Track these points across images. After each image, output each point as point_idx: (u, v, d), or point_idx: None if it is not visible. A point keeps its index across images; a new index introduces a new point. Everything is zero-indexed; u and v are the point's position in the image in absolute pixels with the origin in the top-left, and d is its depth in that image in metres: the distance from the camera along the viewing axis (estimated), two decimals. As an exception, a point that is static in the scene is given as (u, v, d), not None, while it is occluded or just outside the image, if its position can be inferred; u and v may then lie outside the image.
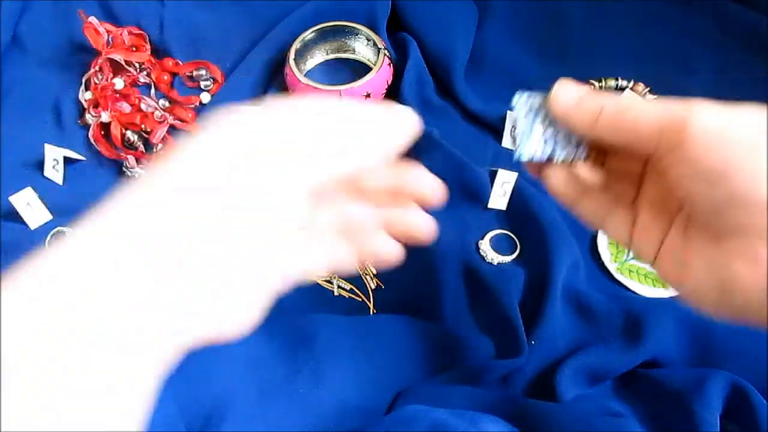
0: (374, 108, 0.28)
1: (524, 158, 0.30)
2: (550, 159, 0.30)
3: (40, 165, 0.52)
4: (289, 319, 0.42)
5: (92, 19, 0.54)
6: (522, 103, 0.31)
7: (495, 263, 0.45)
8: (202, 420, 0.38)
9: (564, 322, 0.42)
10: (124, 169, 0.51)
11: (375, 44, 0.54)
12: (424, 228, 0.31)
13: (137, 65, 0.56)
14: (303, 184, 0.26)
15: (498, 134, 0.52)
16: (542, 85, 0.55)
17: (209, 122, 0.26)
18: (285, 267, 0.29)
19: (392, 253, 0.31)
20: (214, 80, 0.56)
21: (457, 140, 0.49)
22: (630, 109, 0.27)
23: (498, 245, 0.46)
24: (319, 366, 0.41)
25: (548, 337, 0.41)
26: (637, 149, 0.27)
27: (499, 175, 0.47)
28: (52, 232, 0.48)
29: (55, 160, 0.51)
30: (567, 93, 0.29)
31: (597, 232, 0.47)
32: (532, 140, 0.30)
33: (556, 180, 0.31)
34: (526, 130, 0.30)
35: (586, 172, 0.31)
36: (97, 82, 0.55)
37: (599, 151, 0.31)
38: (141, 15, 0.58)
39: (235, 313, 0.26)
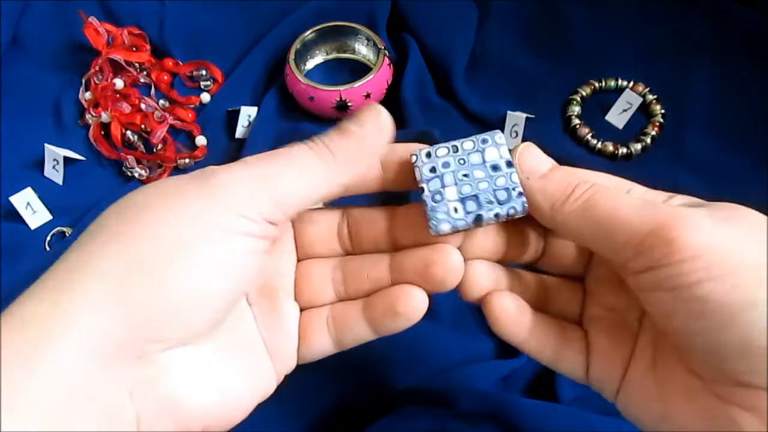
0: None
1: (444, 231, 0.23)
2: (478, 221, 0.23)
3: (40, 165, 0.52)
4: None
5: (92, 19, 0.54)
6: (423, 158, 0.24)
7: (495, 263, 0.45)
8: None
9: (564, 322, 0.42)
10: (124, 169, 0.51)
11: (375, 44, 0.54)
12: (419, 310, 0.26)
13: (137, 65, 0.56)
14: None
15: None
16: (542, 85, 0.55)
17: None
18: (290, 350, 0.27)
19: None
20: (214, 80, 0.56)
21: (457, 140, 0.49)
22: (610, 198, 0.21)
23: (498, 245, 0.46)
24: (318, 366, 0.41)
25: (548, 337, 0.41)
26: (606, 253, 0.22)
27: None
28: (52, 232, 0.48)
29: (55, 160, 0.51)
30: (535, 158, 0.24)
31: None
32: (447, 202, 0.23)
33: (500, 308, 0.26)
34: (435, 190, 0.23)
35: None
36: (97, 82, 0.55)
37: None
38: (141, 15, 0.58)
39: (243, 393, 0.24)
